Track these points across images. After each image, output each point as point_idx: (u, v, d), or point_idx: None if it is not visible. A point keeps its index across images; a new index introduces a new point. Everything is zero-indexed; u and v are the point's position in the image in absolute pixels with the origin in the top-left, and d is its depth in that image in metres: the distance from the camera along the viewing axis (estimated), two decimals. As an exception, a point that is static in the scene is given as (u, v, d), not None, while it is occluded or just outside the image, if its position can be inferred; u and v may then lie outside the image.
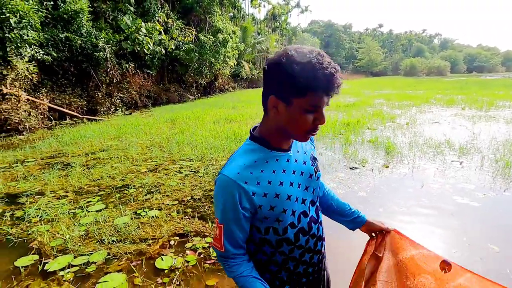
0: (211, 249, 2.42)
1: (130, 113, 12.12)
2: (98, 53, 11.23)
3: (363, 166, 4.43)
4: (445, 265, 1.09)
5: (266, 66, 0.80)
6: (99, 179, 4.12)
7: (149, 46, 13.22)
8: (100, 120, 10.18)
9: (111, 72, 12.20)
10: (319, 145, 5.73)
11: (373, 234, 1.15)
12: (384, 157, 4.86)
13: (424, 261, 1.13)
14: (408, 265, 1.14)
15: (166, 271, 2.17)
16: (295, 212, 0.88)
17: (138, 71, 14.27)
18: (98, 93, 12.03)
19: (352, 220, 1.12)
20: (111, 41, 11.99)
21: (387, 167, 4.38)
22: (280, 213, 0.85)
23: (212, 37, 17.84)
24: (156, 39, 13.88)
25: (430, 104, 11.61)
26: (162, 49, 14.40)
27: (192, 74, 18.57)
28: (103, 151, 5.67)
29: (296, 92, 0.74)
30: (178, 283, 2.04)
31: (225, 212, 0.82)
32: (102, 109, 11.87)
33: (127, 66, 13.29)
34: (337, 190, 3.60)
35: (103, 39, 11.58)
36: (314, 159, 0.99)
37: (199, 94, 19.71)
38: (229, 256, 0.86)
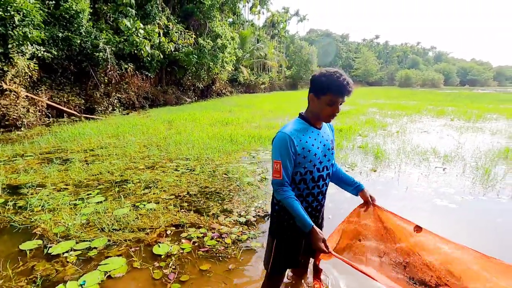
0: (205, 239, 2.59)
1: (128, 113, 12.25)
2: (98, 53, 11.39)
3: (352, 170, 4.65)
4: (417, 229, 1.45)
5: (311, 77, 1.43)
6: (98, 174, 4.27)
7: (146, 49, 13.42)
8: (98, 119, 10.29)
9: (110, 72, 12.34)
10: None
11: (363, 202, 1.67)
12: (372, 162, 5.09)
13: (403, 227, 1.57)
14: (394, 231, 1.59)
15: (162, 256, 2.34)
16: (314, 165, 1.45)
17: (137, 72, 14.43)
18: (97, 92, 12.15)
19: (355, 188, 1.66)
20: (111, 42, 12.17)
21: (375, 171, 4.61)
22: (307, 162, 1.43)
23: (211, 41, 18.13)
24: (155, 41, 14.10)
25: (421, 114, 11.96)
26: (160, 53, 14.61)
27: (190, 77, 18.79)
28: (101, 148, 5.81)
29: (321, 92, 1.36)
30: (174, 267, 2.21)
31: (282, 153, 1.38)
32: (99, 109, 11.98)
33: (126, 67, 13.44)
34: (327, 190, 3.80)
35: (104, 39, 11.76)
36: (332, 141, 1.57)
37: (196, 97, 19.89)
38: (284, 183, 1.40)
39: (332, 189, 2.59)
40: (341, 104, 1.37)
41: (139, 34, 12.94)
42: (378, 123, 9.11)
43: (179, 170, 4.50)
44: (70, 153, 5.49)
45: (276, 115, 11.07)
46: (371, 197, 1.64)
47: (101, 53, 11.47)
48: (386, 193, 3.78)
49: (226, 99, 20.33)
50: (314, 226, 1.38)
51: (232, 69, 24.30)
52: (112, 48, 12.24)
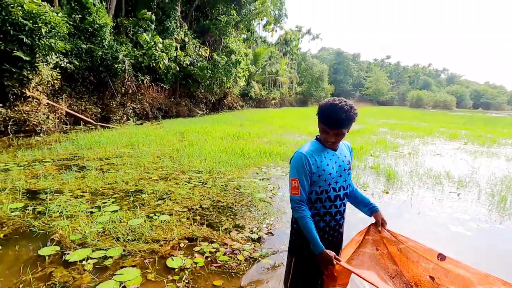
0: (217, 254, 2.61)
1: (141, 124, 12.53)
2: (117, 65, 11.84)
3: (364, 190, 4.62)
4: (441, 257, 1.46)
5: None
6: (113, 183, 4.37)
7: (164, 62, 13.87)
8: (113, 128, 10.56)
9: (127, 83, 12.76)
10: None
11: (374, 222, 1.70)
12: (384, 183, 5.05)
13: (423, 252, 1.59)
14: (408, 253, 1.61)
15: (176, 269, 2.36)
16: (330, 185, 1.51)
17: (153, 84, 14.86)
18: (113, 102, 12.53)
19: (369, 209, 1.70)
20: (130, 55, 12.65)
21: (387, 193, 4.57)
22: (322, 181, 1.49)
23: (225, 57, 18.61)
24: (172, 55, 14.58)
25: (433, 136, 11.84)
26: (176, 66, 15.07)
27: (203, 91, 19.20)
28: (116, 157, 5.95)
29: (319, 119, 1.46)
30: (187, 281, 2.23)
31: (298, 171, 1.45)
32: (115, 118, 12.31)
33: (143, 78, 13.88)
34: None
35: (123, 52, 12.24)
36: (349, 162, 1.60)
37: (208, 110, 20.23)
38: (302, 200, 1.46)
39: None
40: (337, 135, 1.44)
41: (157, 48, 13.43)
42: (390, 144, 9.06)
43: (191, 183, 4.57)
44: (86, 160, 5.64)
45: (287, 131, 11.14)
46: (382, 219, 1.66)
47: (120, 65, 11.91)
48: (399, 216, 3.74)
49: (237, 113, 20.59)
50: (325, 250, 1.41)
51: (244, 84, 24.74)
52: (131, 60, 12.71)
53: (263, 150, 7.00)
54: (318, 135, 1.55)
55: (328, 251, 1.41)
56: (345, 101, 1.41)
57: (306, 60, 47.16)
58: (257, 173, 5.33)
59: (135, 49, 13.08)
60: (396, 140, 10.29)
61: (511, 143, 10.66)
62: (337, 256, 1.42)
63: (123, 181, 4.48)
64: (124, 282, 2.17)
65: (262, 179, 4.96)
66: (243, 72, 20.94)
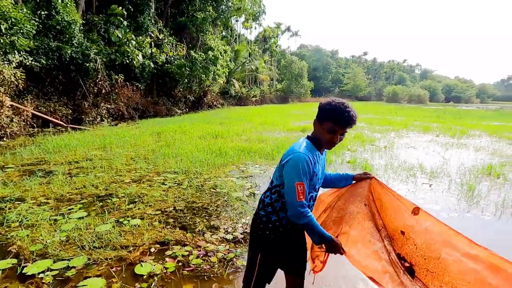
0: (190, 257, 2.52)
1: (116, 124, 12.08)
2: (88, 64, 11.31)
3: (341, 185, 4.66)
4: (416, 210, 1.48)
5: (319, 104, 1.50)
6: (81, 188, 4.14)
7: (138, 59, 13.42)
8: (85, 129, 10.10)
9: (100, 82, 12.24)
10: (301, 163, 5.96)
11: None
12: (360, 177, 5.12)
13: (401, 205, 1.64)
14: (390, 207, 1.67)
15: (145, 276, 2.25)
16: (315, 186, 1.52)
17: (127, 83, 14.35)
18: (85, 102, 11.99)
19: (346, 179, 1.77)
20: (102, 53, 12.13)
21: (363, 186, 4.63)
22: (311, 183, 1.47)
23: (203, 54, 18.29)
24: (146, 52, 14.13)
25: (408, 130, 12.24)
26: (151, 63, 14.63)
27: (181, 89, 18.80)
28: (87, 160, 5.67)
29: (324, 118, 1.44)
30: (156, 288, 2.12)
31: (304, 173, 1.39)
32: (87, 119, 11.78)
33: (117, 77, 13.36)
34: (315, 206, 3.78)
35: (95, 50, 11.71)
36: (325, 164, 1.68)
37: (187, 109, 19.85)
38: (306, 205, 1.41)
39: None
40: (342, 134, 1.45)
41: (130, 45, 12.96)
42: (367, 138, 9.25)
43: (166, 184, 4.42)
44: (53, 165, 5.33)
45: (267, 128, 11.12)
46: (365, 172, 1.79)
47: (91, 63, 11.39)
48: (374, 209, 3.79)
49: (217, 111, 20.37)
50: (334, 239, 1.48)
51: (224, 82, 24.50)
52: (103, 59, 12.19)
53: (242, 148, 6.92)
54: (310, 135, 1.53)
55: (336, 239, 1.48)
56: (345, 101, 1.45)
57: (285, 57, 47.39)
58: (235, 172, 5.25)
59: (107, 47, 12.55)
60: (373, 134, 10.54)
61: (479, 134, 11.22)
62: (343, 249, 1.51)
63: (93, 185, 4.26)
64: (87, 293, 2.03)
65: (240, 178, 4.89)
66: (223, 69, 20.69)
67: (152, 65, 14.78)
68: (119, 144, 7.15)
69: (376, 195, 1.73)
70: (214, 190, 4.21)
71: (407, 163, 6.07)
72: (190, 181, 4.57)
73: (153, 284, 2.16)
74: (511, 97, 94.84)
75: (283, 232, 1.51)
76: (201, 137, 8.51)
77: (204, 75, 18.34)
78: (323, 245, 1.51)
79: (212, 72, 18.88)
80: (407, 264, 1.59)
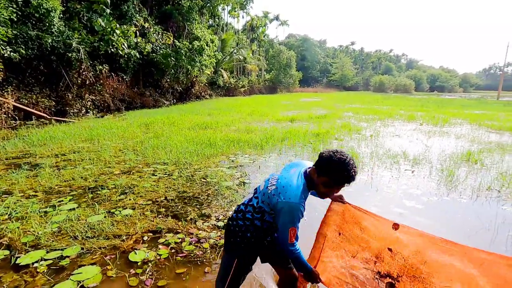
0: (183, 244, 2.60)
1: (102, 116, 11.84)
2: (70, 53, 10.96)
3: (328, 173, 4.81)
4: (395, 226, 1.61)
5: (322, 152, 1.52)
6: (70, 180, 4.12)
7: (123, 47, 13.08)
8: (70, 122, 9.87)
9: (84, 73, 11.91)
10: (290, 153, 6.08)
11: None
12: (347, 165, 5.28)
13: (379, 225, 1.78)
14: (371, 228, 1.80)
15: (139, 263, 2.31)
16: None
17: (112, 73, 14.02)
18: (69, 94, 11.67)
19: None
20: (84, 42, 11.75)
21: (349, 174, 4.79)
22: None
23: (188, 43, 17.95)
24: (131, 41, 13.78)
25: (393, 119, 12.53)
26: (137, 53, 14.29)
27: (168, 80, 18.50)
28: (74, 153, 5.59)
29: (325, 173, 1.46)
30: (151, 273, 2.19)
31: (296, 220, 1.48)
32: (72, 111, 11.50)
33: (101, 68, 13.02)
34: (303, 193, 3.91)
35: (77, 39, 11.33)
36: None
37: (175, 100, 19.61)
38: (296, 243, 1.53)
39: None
40: (340, 189, 1.54)
41: (114, 34, 12.60)
42: (353, 127, 9.45)
43: (156, 175, 4.44)
44: (39, 158, 5.24)
45: (255, 119, 11.16)
46: (339, 196, 1.87)
47: (74, 53, 11.05)
48: (359, 194, 3.95)
49: (206, 102, 20.20)
50: (313, 269, 1.64)
51: (211, 72, 24.22)
52: (86, 48, 11.83)
53: (231, 138, 6.97)
54: (308, 172, 1.56)
55: (314, 270, 1.63)
56: (348, 155, 1.47)
57: (273, 47, 47.06)
58: (225, 162, 5.31)
59: (90, 36, 12.15)
60: (360, 123, 10.76)
61: (460, 122, 11.63)
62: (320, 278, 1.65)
63: (82, 177, 4.24)
64: (82, 281, 2.09)
65: (230, 168, 4.96)
66: (210, 59, 20.41)
67: (138, 55, 14.45)
68: (106, 136, 7.06)
69: (354, 220, 1.85)
70: (204, 180, 4.27)
71: (391, 151, 6.28)
72: (181, 171, 4.61)
73: (147, 269, 2.23)
74: (492, 86, 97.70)
75: (255, 243, 1.64)
76: (190, 128, 8.49)
77: (189, 66, 18.06)
78: (302, 273, 1.65)
79: (198, 63, 18.60)
80: (388, 281, 1.71)
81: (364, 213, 1.85)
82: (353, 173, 1.43)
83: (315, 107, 17.35)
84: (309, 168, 1.57)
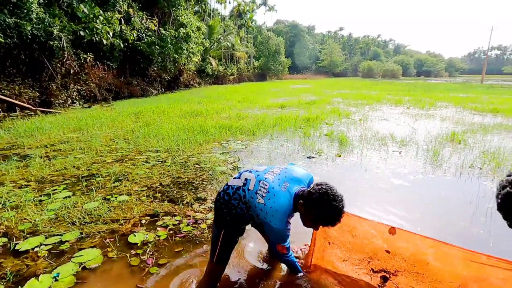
0: (180, 225, 2.66)
1: (89, 106, 11.59)
2: (52, 42, 10.58)
3: (319, 156, 4.93)
4: (392, 230, 1.69)
5: (312, 188, 1.54)
6: (62, 169, 4.09)
7: (108, 36, 12.67)
8: (56, 112, 9.63)
9: (67, 62, 11.55)
10: (281, 138, 6.16)
11: None
12: (337, 148, 5.42)
13: (375, 229, 1.81)
14: (361, 235, 1.86)
15: (139, 244, 2.37)
16: None
17: (98, 62, 13.63)
18: (53, 84, 11.32)
19: None
20: (66, 30, 11.32)
21: (340, 156, 4.93)
22: None
23: (173, 31, 17.51)
24: (116, 29, 13.35)
25: (381, 103, 12.74)
26: (121, 42, 13.87)
27: (155, 68, 18.12)
28: (63, 143, 5.51)
29: (312, 211, 1.51)
30: (151, 253, 2.26)
31: (286, 237, 1.63)
32: (57, 102, 11.19)
33: (86, 56, 12.64)
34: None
35: (58, 27, 10.91)
36: None
37: (163, 89, 19.27)
38: (288, 250, 1.71)
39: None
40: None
41: (98, 21, 12.16)
42: (343, 112, 9.58)
43: (149, 162, 4.46)
44: (28, 149, 5.15)
45: (246, 106, 11.15)
46: None
47: (56, 42, 10.66)
48: (349, 175, 4.09)
49: (195, 91, 19.95)
50: (302, 271, 1.91)
51: (199, 60, 23.80)
52: (69, 36, 11.42)
53: (223, 125, 6.99)
54: (297, 195, 1.58)
55: (303, 272, 1.93)
56: (338, 195, 1.48)
57: (262, 33, 46.37)
58: (217, 148, 5.36)
59: (72, 23, 11.71)
60: (349, 108, 10.91)
61: (445, 105, 11.93)
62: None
63: (74, 166, 4.21)
64: (84, 262, 2.14)
65: (223, 153, 5.01)
66: (197, 47, 20.02)
67: (122, 44, 14.03)
68: (95, 126, 6.96)
69: (345, 227, 1.92)
70: (198, 166, 4.31)
71: (379, 134, 6.44)
72: (174, 158, 4.64)
73: (147, 250, 2.29)
74: (476, 70, 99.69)
75: (240, 217, 1.72)
76: (180, 116, 8.43)
77: (176, 54, 17.68)
78: None
79: (185, 50, 18.22)
80: (382, 275, 1.80)
81: (360, 219, 1.90)
82: (339, 215, 1.47)
83: (305, 93, 17.40)
84: (301, 190, 1.59)
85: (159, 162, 4.47)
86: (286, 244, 1.65)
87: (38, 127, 6.62)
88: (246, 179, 1.69)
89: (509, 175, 1.08)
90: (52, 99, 11.06)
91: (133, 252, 2.27)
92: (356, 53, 79.21)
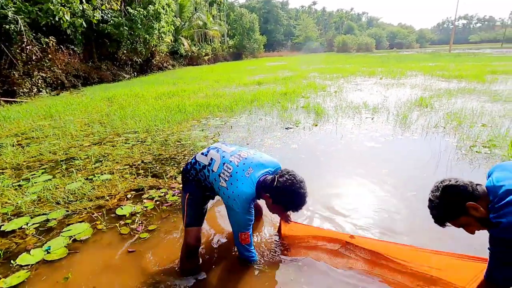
0: (166, 196, 2.76)
1: (58, 94, 11.04)
2: (8, 26, 9.78)
3: (296, 126, 5.10)
4: (351, 236, 1.83)
5: (277, 181, 1.51)
6: (38, 155, 4.00)
7: (66, 18, 11.81)
8: (22, 102, 9.12)
9: (27, 47, 10.76)
10: (260, 112, 6.25)
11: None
12: (314, 118, 5.61)
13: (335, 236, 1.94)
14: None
15: (127, 215, 2.45)
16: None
17: (61, 47, 12.81)
18: (14, 72, 10.58)
19: None
20: (22, 12, 10.45)
21: (316, 125, 5.12)
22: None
23: (142, 9, 16.62)
24: (76, 9, 12.44)
25: (356, 76, 13.03)
26: (83, 22, 13.00)
27: (125, 51, 17.28)
28: (35, 130, 5.31)
29: (279, 201, 1.54)
30: (140, 222, 2.36)
31: (245, 227, 1.63)
32: (21, 91, 10.53)
33: (47, 41, 11.82)
34: (274, 145, 4.17)
35: (13, 9, 10.05)
36: None
37: (135, 73, 18.53)
38: (250, 246, 1.74)
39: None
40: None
41: (53, 1, 11.26)
42: (319, 86, 9.76)
43: (129, 143, 4.43)
44: (-3, 139, 4.93)
45: (223, 85, 11.05)
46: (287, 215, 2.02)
47: (12, 25, 9.86)
48: (326, 141, 4.29)
49: (169, 73, 19.35)
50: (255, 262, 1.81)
51: (171, 41, 22.90)
52: (26, 19, 10.57)
53: (200, 104, 6.95)
54: (260, 182, 1.57)
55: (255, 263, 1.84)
56: (302, 181, 1.51)
57: (234, 10, 44.91)
58: (196, 126, 5.38)
59: (27, 3, 10.80)
60: (324, 82, 11.10)
61: (415, 74, 12.42)
62: None
63: (50, 152, 4.12)
64: (74, 235, 2.20)
65: (202, 130, 5.05)
66: (168, 26, 19.18)
67: (85, 25, 13.16)
68: (67, 112, 6.71)
69: (305, 232, 2.03)
70: (179, 143, 4.35)
71: (353, 103, 6.69)
72: (153, 137, 4.63)
73: (136, 219, 2.38)
74: (445, 40, 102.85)
75: (193, 174, 1.80)
76: (156, 98, 8.27)
77: (147, 35, 16.89)
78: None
79: (156, 30, 17.43)
80: (350, 235, 1.92)
81: (316, 229, 2.03)
82: (306, 200, 1.52)
83: (281, 70, 17.39)
84: (264, 177, 1.59)
85: (139, 142, 4.46)
86: (248, 231, 1.62)
87: (4, 116, 6.30)
88: (211, 159, 1.70)
89: (437, 182, 1.31)
90: (15, 88, 10.39)
91: (122, 222, 2.35)
92: (331, 28, 78.98)
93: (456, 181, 1.22)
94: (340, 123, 5.19)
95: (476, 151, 3.57)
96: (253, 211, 1.64)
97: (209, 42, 34.85)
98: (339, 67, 18.11)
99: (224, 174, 1.59)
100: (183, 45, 25.94)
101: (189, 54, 27.50)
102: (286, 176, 1.50)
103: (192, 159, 1.85)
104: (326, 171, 3.26)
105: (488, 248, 1.17)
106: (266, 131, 4.85)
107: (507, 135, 3.99)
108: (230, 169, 1.59)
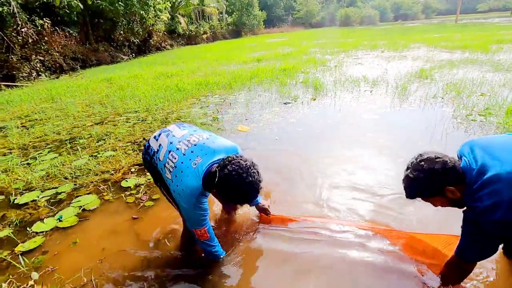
0: (168, 169, 2.87)
1: (57, 77, 11.03)
2: (1, 8, 9.61)
3: (295, 101, 5.13)
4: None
5: (222, 173, 1.28)
6: (43, 136, 4.11)
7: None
8: (22, 86, 9.16)
9: (22, 30, 10.63)
10: (259, 89, 6.25)
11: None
12: (312, 93, 5.62)
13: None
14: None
15: (131, 187, 2.58)
16: None
17: (57, 28, 12.62)
18: (12, 56, 10.53)
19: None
20: (14, -7, 10.23)
21: (315, 99, 5.14)
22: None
23: (138, -15, 16.11)
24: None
25: (357, 49, 12.76)
26: (79, 3, 12.71)
27: (122, 32, 16.97)
28: (38, 113, 5.40)
29: (226, 195, 1.31)
30: (144, 192, 2.49)
31: (200, 223, 1.44)
32: (21, 75, 10.53)
33: (42, 23, 11.64)
34: (273, 120, 4.23)
35: (4, -10, 9.83)
36: None
37: (133, 54, 18.30)
38: (211, 242, 1.57)
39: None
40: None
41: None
42: (319, 61, 9.62)
43: (130, 122, 4.52)
44: (1, 121, 5.04)
45: (222, 64, 10.93)
46: (265, 209, 1.91)
47: (5, 7, 9.69)
48: (324, 114, 4.34)
49: (167, 53, 19.07)
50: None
51: (168, 18, 22.34)
52: (18, 1, 10.37)
53: (199, 82, 6.95)
54: (206, 173, 1.31)
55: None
56: (248, 168, 1.24)
57: (232, -15, 43.20)
58: (196, 103, 5.43)
59: (19, -16, 10.55)
60: (325, 56, 10.91)
61: (418, 46, 12.13)
62: None
63: (54, 132, 4.23)
64: (83, 205, 2.34)
65: (202, 107, 5.11)
66: (164, 2, 18.65)
67: (81, 6, 12.87)
68: (68, 94, 6.76)
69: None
70: (179, 120, 4.43)
71: (353, 77, 6.64)
72: (154, 116, 4.70)
73: (141, 190, 2.52)
74: (451, 10, 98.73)
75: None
76: (155, 78, 8.25)
77: (143, 11, 16.47)
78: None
79: (152, 7, 16.98)
80: None
81: (295, 220, 1.95)
82: (259, 189, 1.29)
83: (282, 46, 17.03)
84: (211, 165, 1.34)
85: (140, 121, 4.54)
86: (204, 226, 1.42)
87: (7, 100, 6.38)
88: (160, 145, 1.48)
89: (418, 158, 1.21)
90: (14, 72, 10.38)
91: (127, 193, 2.49)
92: (333, 1, 76.04)
93: (442, 164, 1.15)
94: (338, 97, 5.20)
95: (472, 120, 3.61)
96: (206, 205, 1.39)
97: (207, 20, 33.92)
98: (341, 41, 17.69)
99: (168, 164, 1.37)
100: (180, 23, 25.31)
101: (187, 33, 26.90)
102: (229, 167, 1.23)
103: (145, 145, 1.61)
104: (322, 142, 3.34)
105: (461, 227, 1.19)
106: (264, 107, 4.89)
107: (504, 103, 4.01)
108: (175, 158, 1.36)
